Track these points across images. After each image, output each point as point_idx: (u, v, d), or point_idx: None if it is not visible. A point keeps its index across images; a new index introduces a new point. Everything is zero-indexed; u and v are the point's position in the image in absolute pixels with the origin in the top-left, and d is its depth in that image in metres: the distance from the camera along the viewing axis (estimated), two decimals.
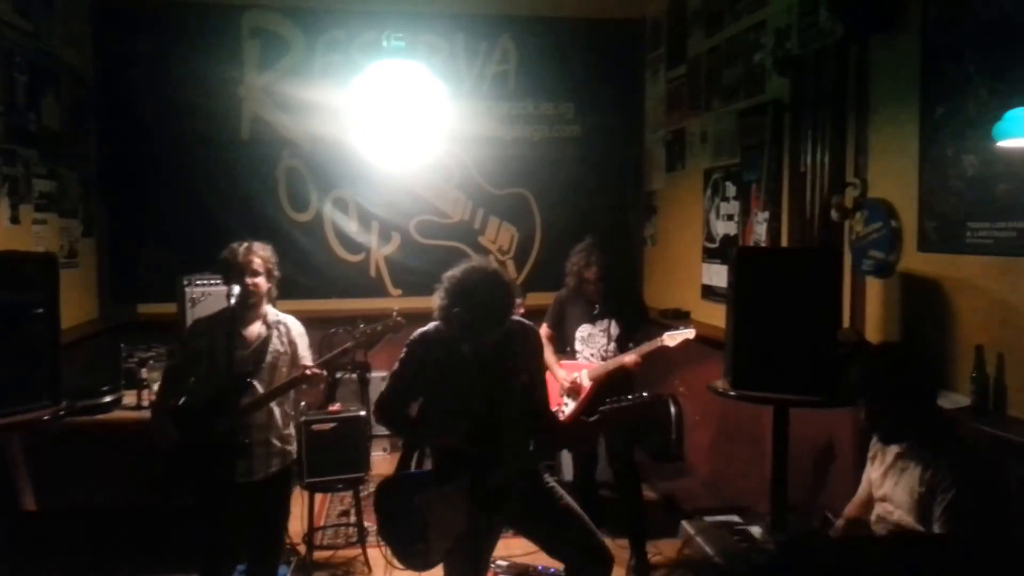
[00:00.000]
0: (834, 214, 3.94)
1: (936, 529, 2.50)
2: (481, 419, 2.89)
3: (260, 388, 3.53)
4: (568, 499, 3.17)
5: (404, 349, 3.08)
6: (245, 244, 3.59)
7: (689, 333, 4.38)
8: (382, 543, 3.06)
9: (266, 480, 3.58)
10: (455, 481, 2.89)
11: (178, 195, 6.50)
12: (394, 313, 3.70)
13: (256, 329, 3.61)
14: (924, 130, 3.39)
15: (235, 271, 3.52)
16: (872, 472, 2.86)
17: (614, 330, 4.60)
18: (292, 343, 3.66)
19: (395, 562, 3.03)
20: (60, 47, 5.55)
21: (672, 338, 4.36)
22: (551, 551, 3.22)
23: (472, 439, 2.90)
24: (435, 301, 2.95)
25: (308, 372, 3.57)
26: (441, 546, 2.92)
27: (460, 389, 2.95)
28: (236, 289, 3.42)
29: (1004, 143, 2.70)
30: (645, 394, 3.03)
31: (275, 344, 3.62)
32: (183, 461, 3.49)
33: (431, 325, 3.06)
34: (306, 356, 3.70)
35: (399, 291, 6.79)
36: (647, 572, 4.53)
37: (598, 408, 3.01)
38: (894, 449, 2.74)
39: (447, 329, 2.98)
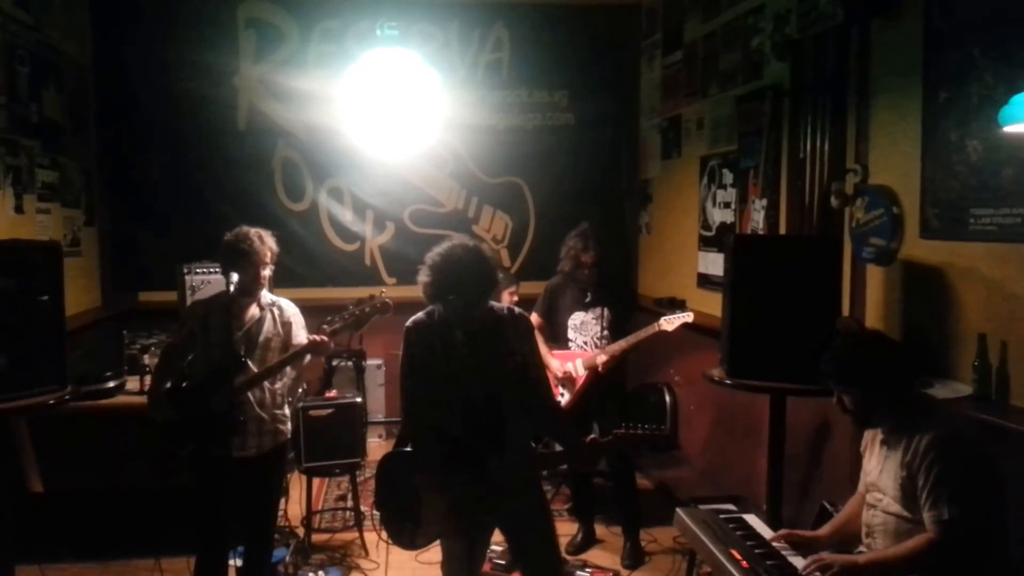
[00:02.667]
0: (834, 201, 3.91)
1: (924, 513, 2.50)
2: (478, 404, 2.91)
3: (253, 367, 3.52)
4: (552, 519, 3.21)
5: (403, 343, 3.06)
6: (256, 232, 3.58)
7: (687, 316, 4.37)
8: (375, 513, 3.16)
9: (259, 457, 3.58)
10: (454, 470, 2.88)
11: (177, 185, 6.53)
12: (381, 293, 3.68)
13: (251, 311, 3.63)
14: (927, 115, 3.35)
15: (248, 260, 3.50)
16: (865, 463, 2.87)
17: (607, 317, 4.57)
18: (286, 324, 3.68)
19: (384, 534, 3.09)
20: (60, 39, 5.57)
21: (669, 322, 4.34)
22: (516, 558, 3.30)
23: (470, 426, 2.91)
24: (420, 279, 2.96)
25: (302, 344, 3.56)
26: (430, 530, 2.94)
27: (455, 374, 2.96)
28: (235, 277, 3.40)
29: (1010, 128, 2.67)
30: (664, 427, 3.07)
31: (268, 325, 3.64)
32: (179, 438, 3.49)
33: (422, 312, 3.07)
34: (300, 336, 3.69)
35: (394, 280, 6.78)
36: (640, 559, 4.54)
37: (612, 430, 3.07)
38: (879, 437, 2.75)
39: (436, 312, 3.01)
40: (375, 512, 3.27)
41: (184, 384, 3.59)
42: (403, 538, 3.02)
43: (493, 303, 3.12)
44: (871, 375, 2.63)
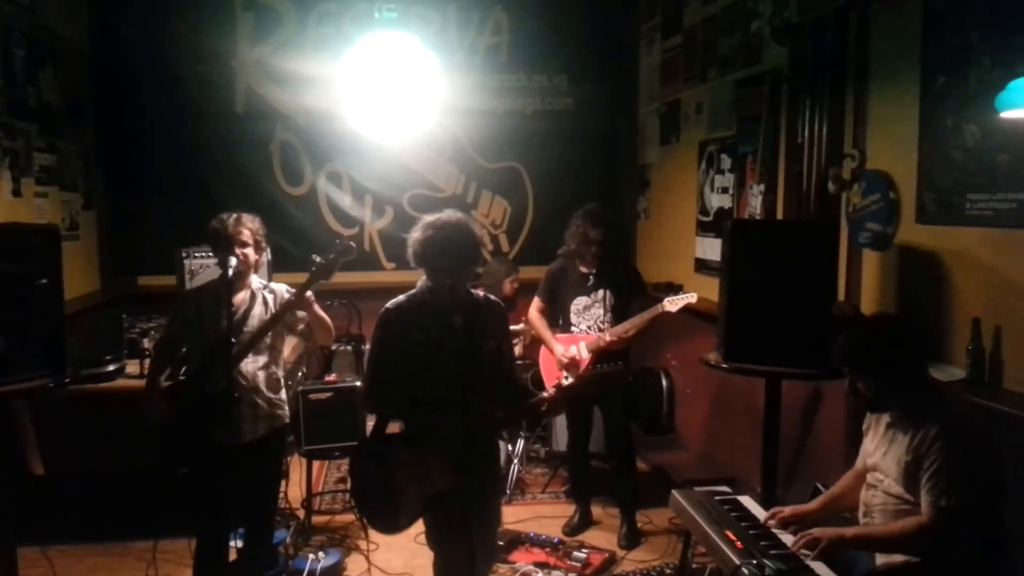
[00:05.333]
0: (831, 186, 3.92)
1: (923, 496, 2.53)
2: (454, 381, 2.97)
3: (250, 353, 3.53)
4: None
5: (378, 321, 3.14)
6: (234, 215, 3.59)
7: (691, 297, 4.37)
8: (354, 507, 3.15)
9: (255, 443, 3.58)
10: (426, 443, 2.97)
11: (176, 169, 6.52)
12: (344, 236, 3.71)
13: (242, 295, 3.62)
14: (925, 100, 3.37)
15: (224, 242, 3.51)
16: (867, 443, 2.89)
17: (609, 300, 4.58)
18: (276, 299, 3.66)
19: (367, 525, 3.17)
20: (56, 21, 5.55)
21: (673, 303, 4.34)
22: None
23: (445, 400, 2.98)
24: (411, 236, 3.11)
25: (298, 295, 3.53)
26: (411, 508, 2.99)
27: (432, 354, 3.03)
28: (232, 261, 3.40)
29: (1006, 114, 2.68)
30: (620, 363, 3.28)
31: (259, 309, 3.62)
32: (180, 430, 3.51)
33: (402, 296, 3.16)
34: (298, 317, 3.70)
35: (392, 264, 6.79)
36: (637, 540, 4.58)
37: (615, 416, 3.18)
38: (885, 419, 2.77)
39: (416, 295, 3.13)
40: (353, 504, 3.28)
41: (182, 376, 3.61)
42: (385, 521, 3.07)
43: (473, 291, 3.22)
44: (887, 362, 2.64)
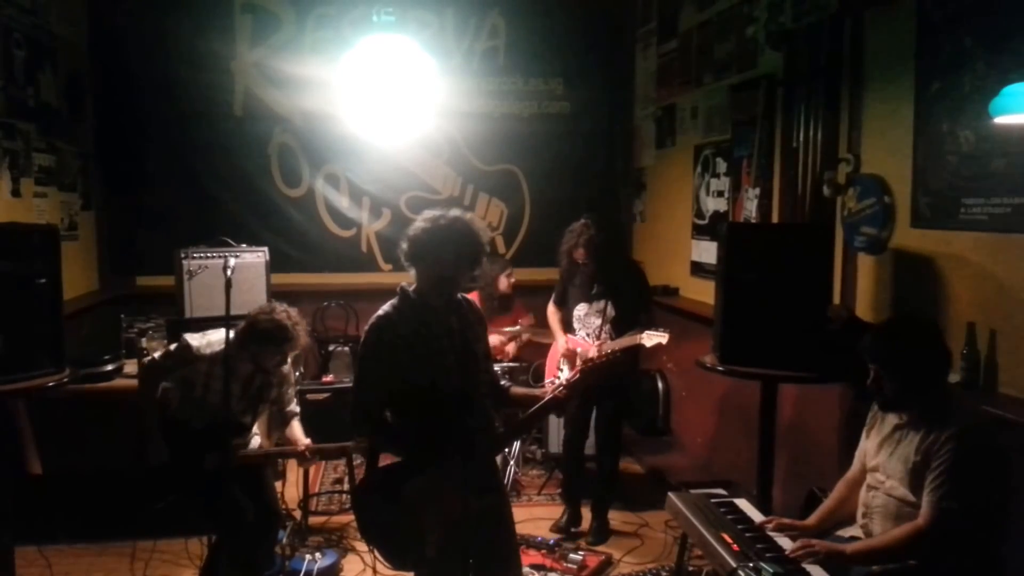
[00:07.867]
0: (826, 190, 3.94)
1: (925, 495, 2.54)
2: (458, 390, 2.78)
3: (253, 425, 3.67)
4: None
5: (366, 338, 2.86)
6: (295, 323, 3.62)
7: (663, 338, 4.20)
8: (371, 548, 2.90)
9: (240, 466, 3.66)
10: (441, 463, 2.72)
11: (174, 170, 6.54)
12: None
13: (247, 368, 3.68)
14: (919, 105, 3.38)
15: (281, 350, 3.61)
16: (867, 443, 2.89)
17: (610, 312, 4.57)
18: (280, 384, 3.81)
19: (385, 565, 2.91)
20: (56, 22, 5.56)
21: (649, 338, 4.25)
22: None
23: (453, 413, 2.76)
24: (407, 234, 2.88)
25: (303, 450, 3.78)
26: (435, 538, 2.74)
27: (434, 363, 2.82)
28: (232, 261, 3.42)
29: (1000, 119, 2.69)
30: (618, 352, 2.96)
31: (265, 387, 3.75)
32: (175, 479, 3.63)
33: (388, 307, 2.89)
34: (292, 402, 3.91)
35: (390, 266, 6.81)
36: (605, 537, 4.60)
37: (609, 419, 3.05)
38: (892, 420, 2.77)
39: (402, 303, 2.88)
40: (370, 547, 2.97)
41: (176, 421, 3.68)
42: (409, 557, 2.84)
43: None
44: (918, 364, 2.65)
